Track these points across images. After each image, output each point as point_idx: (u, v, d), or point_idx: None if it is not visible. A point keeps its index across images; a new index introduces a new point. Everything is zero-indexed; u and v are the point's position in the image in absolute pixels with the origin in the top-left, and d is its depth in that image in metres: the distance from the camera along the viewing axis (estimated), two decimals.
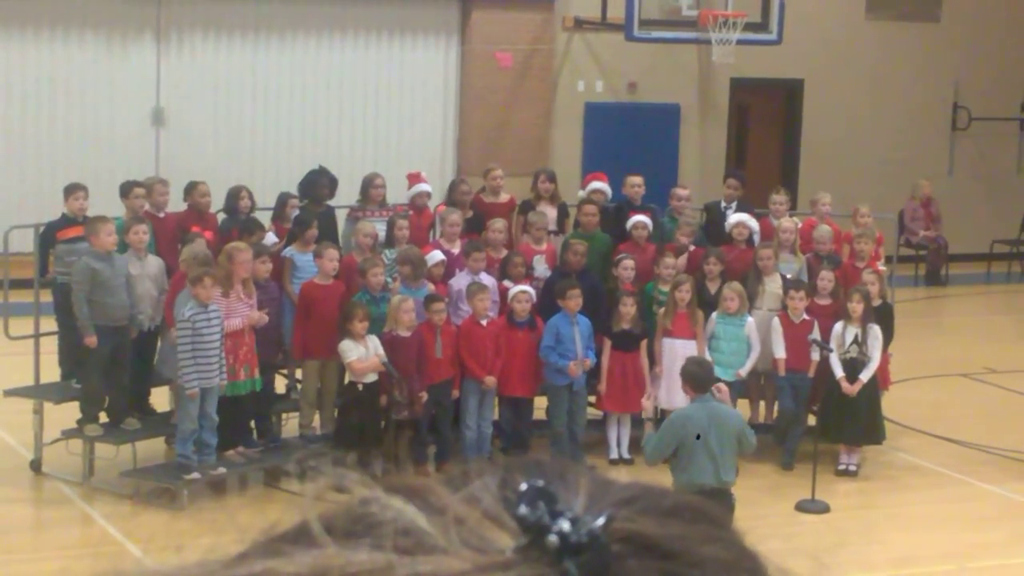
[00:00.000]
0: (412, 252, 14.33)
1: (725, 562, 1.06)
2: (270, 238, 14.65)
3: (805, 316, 14.46)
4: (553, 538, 0.98)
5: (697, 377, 11.12)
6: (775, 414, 15.07)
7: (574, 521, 0.99)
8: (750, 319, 14.54)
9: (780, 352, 14.55)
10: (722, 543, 1.08)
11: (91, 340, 13.20)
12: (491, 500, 1.05)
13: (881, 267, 15.85)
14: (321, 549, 1.03)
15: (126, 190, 14.70)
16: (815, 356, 14.45)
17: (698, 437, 10.74)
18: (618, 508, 1.05)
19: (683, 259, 15.17)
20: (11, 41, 21.82)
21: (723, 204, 16.66)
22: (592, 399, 14.68)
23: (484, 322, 14.05)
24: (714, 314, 14.49)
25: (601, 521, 1.00)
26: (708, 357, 13.35)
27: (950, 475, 14.60)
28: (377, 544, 1.01)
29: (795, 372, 14.58)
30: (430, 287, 14.18)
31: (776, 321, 14.56)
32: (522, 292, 14.11)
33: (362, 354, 13.36)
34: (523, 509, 1.00)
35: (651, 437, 11.29)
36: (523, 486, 1.02)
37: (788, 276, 14.93)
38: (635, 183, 16.30)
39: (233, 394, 13.24)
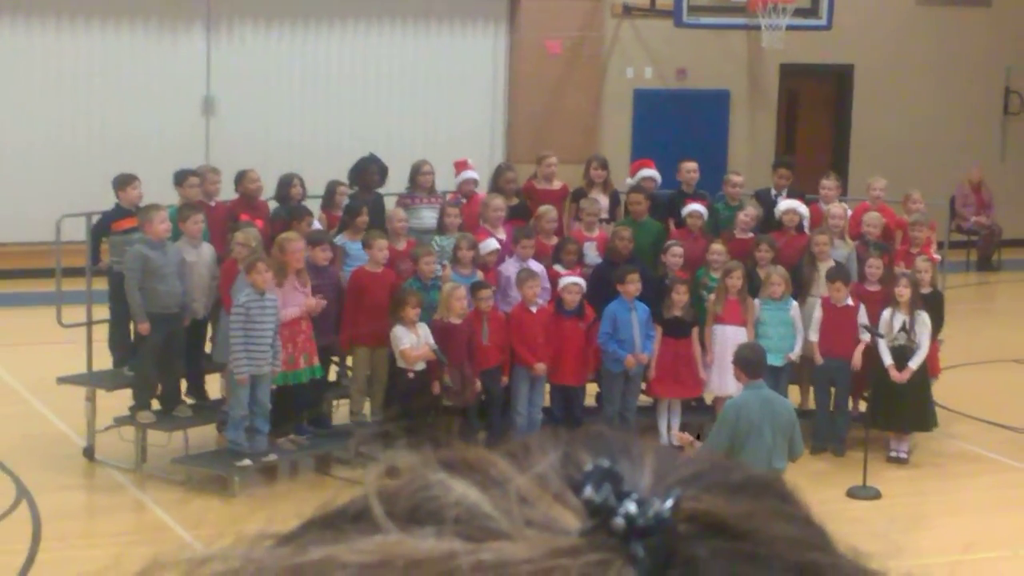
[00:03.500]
0: (471, 238, 14.37)
1: (795, 539, 1.03)
2: (316, 225, 14.64)
3: (849, 302, 14.36)
4: (619, 521, 0.96)
5: (749, 362, 11.09)
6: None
7: (640, 503, 0.97)
8: (794, 303, 14.46)
9: (813, 336, 14.45)
10: (792, 519, 1.06)
11: (144, 327, 13.25)
12: (555, 478, 1.02)
13: (936, 255, 15.73)
14: (384, 535, 0.99)
15: (181, 179, 14.69)
16: (864, 337, 14.32)
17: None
18: (685, 486, 1.02)
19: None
20: (62, 32, 21.94)
21: (773, 192, 16.59)
22: (642, 385, 14.65)
23: (534, 309, 14.04)
24: (757, 300, 14.41)
25: (669, 503, 0.98)
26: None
27: (1002, 461, 14.52)
28: (440, 530, 0.98)
29: (835, 359, 14.48)
30: (479, 274, 14.18)
31: (818, 307, 14.47)
32: (573, 284, 14.08)
33: (414, 341, 13.37)
34: (588, 491, 0.98)
35: (706, 442, 11.07)
36: (588, 466, 1.00)
37: (838, 262, 14.83)
38: (690, 168, 16.24)
39: (295, 382, 13.28)
